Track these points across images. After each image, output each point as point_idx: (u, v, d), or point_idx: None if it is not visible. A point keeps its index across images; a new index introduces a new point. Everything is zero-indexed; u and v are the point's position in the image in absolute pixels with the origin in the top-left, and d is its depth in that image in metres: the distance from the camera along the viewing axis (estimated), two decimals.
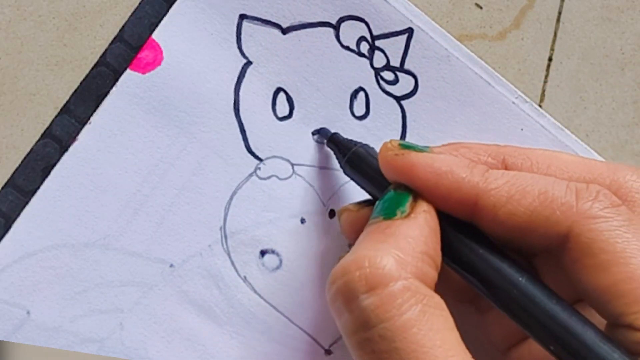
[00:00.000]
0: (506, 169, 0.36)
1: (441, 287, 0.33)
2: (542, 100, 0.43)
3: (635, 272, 0.31)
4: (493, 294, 0.33)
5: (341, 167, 0.39)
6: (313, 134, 0.41)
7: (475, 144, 0.37)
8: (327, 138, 0.41)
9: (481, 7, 0.43)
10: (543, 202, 0.32)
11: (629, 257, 0.31)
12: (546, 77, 0.43)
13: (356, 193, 0.41)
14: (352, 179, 0.39)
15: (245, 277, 0.41)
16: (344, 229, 0.38)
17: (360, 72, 0.42)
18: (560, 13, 0.43)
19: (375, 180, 0.37)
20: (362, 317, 0.31)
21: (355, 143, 0.39)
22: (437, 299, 0.31)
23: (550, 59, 0.43)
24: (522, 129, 0.42)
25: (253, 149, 0.41)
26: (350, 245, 0.35)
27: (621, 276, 0.31)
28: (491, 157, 0.37)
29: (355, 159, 0.38)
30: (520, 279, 0.32)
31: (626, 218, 0.32)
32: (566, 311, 0.32)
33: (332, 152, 0.41)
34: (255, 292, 0.41)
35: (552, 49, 0.43)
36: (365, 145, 0.38)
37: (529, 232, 0.33)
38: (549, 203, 0.32)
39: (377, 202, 0.35)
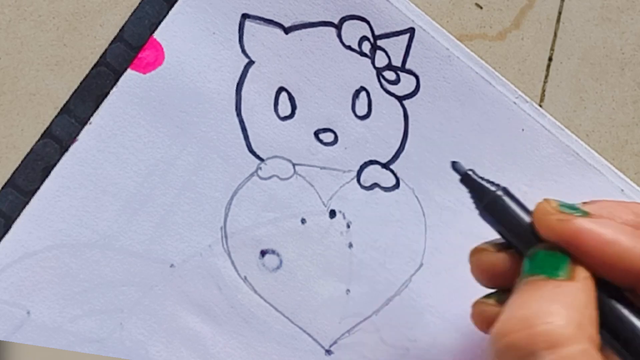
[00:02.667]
0: None
1: None
2: (542, 100, 0.43)
3: None
4: None
5: (477, 209, 0.37)
6: (452, 167, 0.38)
7: (613, 202, 0.36)
8: (461, 174, 0.37)
9: (481, 7, 0.43)
10: None
11: None
12: (546, 77, 0.43)
13: (357, 194, 0.41)
14: (489, 223, 0.37)
15: (245, 277, 0.41)
16: (477, 269, 0.37)
17: (362, 72, 0.42)
18: (560, 13, 0.43)
19: (518, 230, 0.35)
20: None
21: (493, 184, 0.36)
22: None
23: (550, 59, 0.43)
24: (522, 129, 0.42)
25: (254, 149, 0.41)
26: (488, 287, 0.34)
27: None
28: (635, 215, 0.35)
29: (494, 205, 0.36)
30: None
31: None
32: None
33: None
34: (256, 292, 0.41)
35: (552, 49, 0.43)
36: (504, 188, 0.36)
37: None
38: None
39: (528, 258, 0.34)
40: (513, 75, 0.43)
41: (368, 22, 0.42)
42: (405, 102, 0.42)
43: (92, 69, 0.41)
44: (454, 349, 0.41)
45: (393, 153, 0.41)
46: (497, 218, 0.36)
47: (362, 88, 0.42)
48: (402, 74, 0.42)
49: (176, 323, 0.40)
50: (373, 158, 0.41)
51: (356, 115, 0.42)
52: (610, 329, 0.32)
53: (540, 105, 0.43)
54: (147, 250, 0.40)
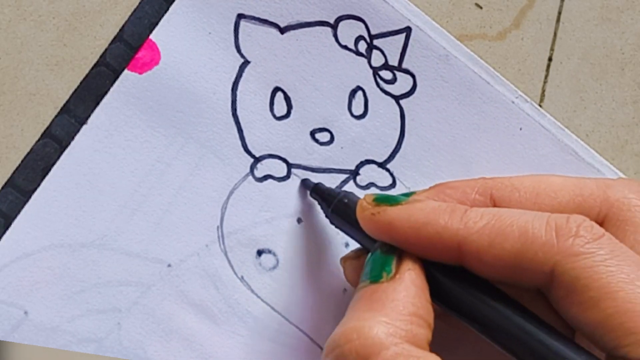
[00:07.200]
0: (494, 204, 0.36)
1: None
2: (542, 100, 0.42)
3: (622, 306, 0.30)
4: (491, 334, 0.33)
5: (327, 217, 0.38)
6: (302, 184, 0.41)
7: (462, 181, 0.36)
8: (309, 189, 0.40)
9: (481, 7, 0.43)
10: (524, 243, 0.32)
11: (615, 291, 0.30)
12: (546, 77, 0.42)
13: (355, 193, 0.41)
14: (340, 229, 0.38)
15: (242, 276, 0.40)
16: (348, 278, 0.38)
17: (359, 72, 0.41)
18: (560, 13, 0.43)
19: (362, 231, 0.35)
20: None
21: (339, 192, 0.38)
22: (433, 358, 0.30)
23: (550, 59, 0.43)
24: (520, 129, 0.41)
25: (250, 149, 0.41)
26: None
27: (609, 311, 0.30)
28: (478, 193, 0.36)
29: (341, 208, 0.37)
30: (515, 315, 0.32)
31: (608, 251, 0.31)
32: (570, 346, 0.31)
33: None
34: (253, 291, 0.40)
35: (552, 49, 0.43)
36: (350, 193, 0.38)
37: (516, 272, 0.32)
38: (530, 244, 0.32)
39: (365, 261, 0.34)
40: (513, 75, 0.42)
41: (364, 22, 0.41)
42: (402, 102, 0.41)
43: (92, 69, 0.41)
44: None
45: (389, 152, 0.41)
46: (344, 221, 0.37)
47: (359, 87, 0.41)
48: (398, 74, 0.41)
49: (174, 323, 0.40)
50: (369, 157, 0.41)
51: (352, 115, 0.41)
52: (445, 302, 0.33)
53: (540, 105, 0.42)
54: (144, 250, 0.40)
